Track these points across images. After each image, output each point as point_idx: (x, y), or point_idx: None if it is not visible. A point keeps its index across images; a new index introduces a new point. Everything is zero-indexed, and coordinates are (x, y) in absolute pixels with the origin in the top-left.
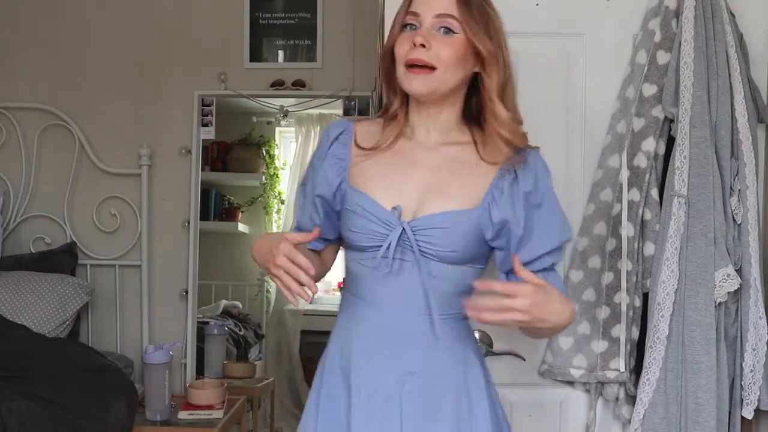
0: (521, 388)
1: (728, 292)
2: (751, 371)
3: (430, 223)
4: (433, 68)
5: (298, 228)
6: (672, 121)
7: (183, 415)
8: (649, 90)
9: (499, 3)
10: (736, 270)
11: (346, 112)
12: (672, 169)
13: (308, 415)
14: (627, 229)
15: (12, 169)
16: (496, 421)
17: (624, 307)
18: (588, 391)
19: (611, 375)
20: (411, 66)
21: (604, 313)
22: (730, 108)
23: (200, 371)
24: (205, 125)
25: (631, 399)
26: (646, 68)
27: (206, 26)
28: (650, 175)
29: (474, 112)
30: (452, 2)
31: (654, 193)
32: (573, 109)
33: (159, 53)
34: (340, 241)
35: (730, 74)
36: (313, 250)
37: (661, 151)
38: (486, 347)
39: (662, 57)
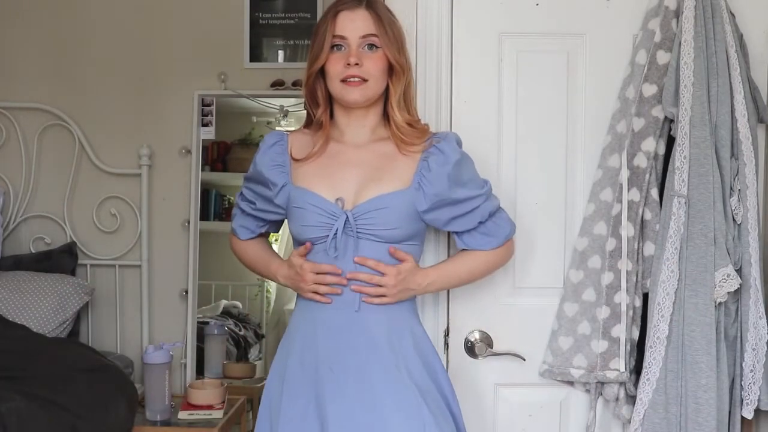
0: (521, 388)
1: (728, 292)
2: (751, 371)
3: (369, 207)
4: (365, 80)
5: (243, 211)
6: (672, 121)
7: (183, 415)
8: (649, 90)
9: (499, 3)
10: (736, 270)
11: None
12: (672, 169)
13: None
14: (627, 229)
15: (12, 169)
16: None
17: (624, 307)
18: (588, 391)
19: (611, 375)
20: (346, 81)
21: (604, 313)
22: (730, 108)
23: (200, 371)
24: (205, 125)
25: (631, 399)
26: (646, 68)
27: (206, 26)
28: (650, 175)
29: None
30: (370, 22)
31: (654, 193)
32: (573, 109)
33: (159, 53)
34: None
35: (730, 74)
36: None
37: (661, 151)
38: (486, 347)
39: (662, 57)
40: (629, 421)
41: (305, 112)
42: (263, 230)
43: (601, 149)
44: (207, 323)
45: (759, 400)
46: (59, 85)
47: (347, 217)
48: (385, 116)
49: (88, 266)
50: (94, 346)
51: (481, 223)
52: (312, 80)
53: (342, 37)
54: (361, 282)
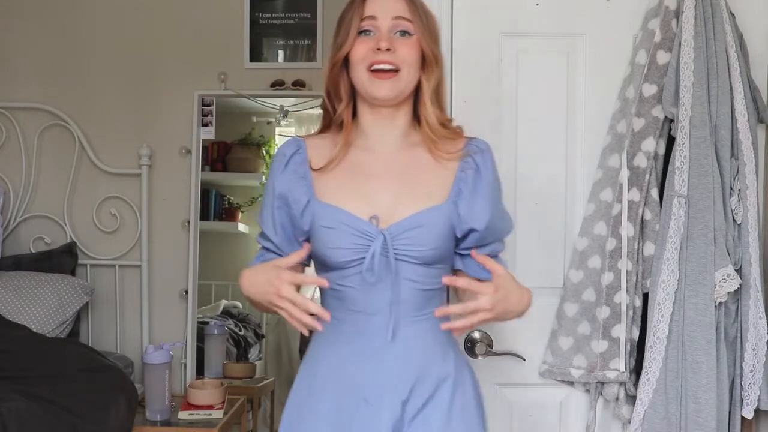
0: (521, 388)
1: (728, 292)
2: (751, 371)
3: (407, 225)
4: (397, 71)
5: (268, 250)
6: (672, 121)
7: (183, 415)
8: (649, 90)
9: (499, 3)
10: (736, 270)
11: None
12: (672, 169)
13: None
14: (627, 229)
15: (12, 169)
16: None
17: (624, 307)
18: (588, 391)
19: (611, 375)
20: (375, 71)
21: (604, 313)
22: (730, 108)
23: (200, 371)
24: (205, 125)
25: (631, 399)
26: (646, 68)
27: (206, 26)
28: (650, 175)
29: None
30: (404, 5)
31: (654, 193)
32: (573, 109)
33: (159, 53)
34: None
35: (730, 74)
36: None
37: (661, 151)
38: (486, 347)
39: (662, 57)
40: (629, 421)
41: (307, 111)
42: None
43: (601, 149)
44: (207, 323)
45: (759, 400)
46: (59, 85)
47: (384, 237)
48: (415, 118)
49: (88, 266)
50: (94, 346)
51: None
52: (335, 72)
53: (372, 18)
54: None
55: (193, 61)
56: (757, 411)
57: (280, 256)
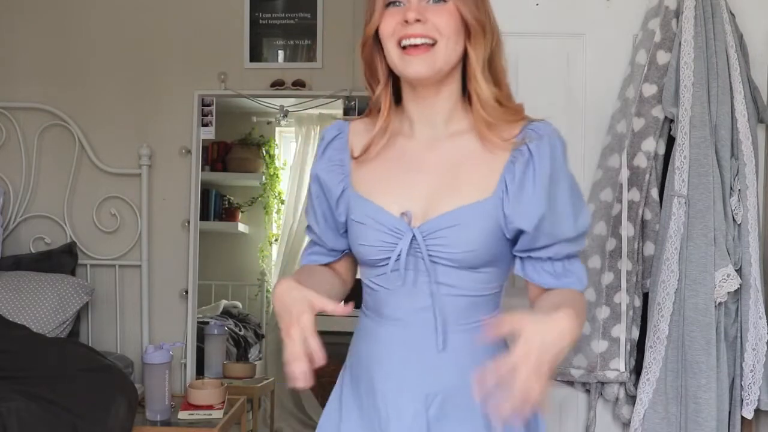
0: None
1: (728, 292)
2: (751, 371)
3: (442, 223)
4: (432, 44)
5: (313, 243)
6: (672, 121)
7: (183, 415)
8: (649, 90)
9: (499, 3)
10: (736, 270)
11: (346, 112)
12: (672, 169)
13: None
14: (627, 229)
15: (12, 169)
16: None
17: (624, 307)
18: (588, 391)
19: (611, 375)
20: (406, 47)
21: (604, 313)
22: (730, 108)
23: (200, 371)
24: (205, 125)
25: (631, 399)
26: (646, 68)
27: (206, 26)
28: (650, 175)
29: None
30: None
31: (654, 193)
32: (573, 109)
33: (159, 53)
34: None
35: (730, 74)
36: (326, 264)
37: (661, 151)
38: None
39: (662, 57)
40: (629, 421)
41: (307, 111)
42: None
43: (601, 149)
44: (207, 323)
45: (759, 400)
46: (59, 85)
47: (414, 235)
48: (464, 98)
49: (88, 266)
50: (94, 346)
51: (550, 259)
52: (368, 51)
53: None
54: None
55: (193, 61)
56: (757, 411)
57: (324, 248)
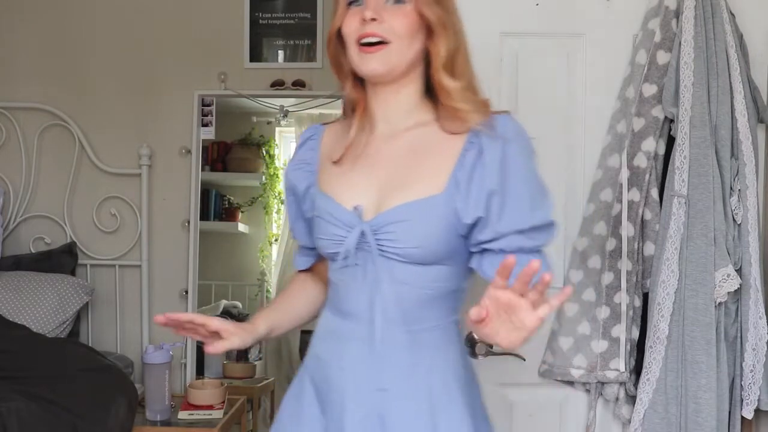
0: (521, 388)
1: (728, 292)
2: (751, 371)
3: (391, 218)
4: (387, 42)
5: (300, 245)
6: (672, 121)
7: (183, 415)
8: (649, 90)
9: (499, 3)
10: (736, 270)
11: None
12: (672, 169)
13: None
14: (627, 229)
15: (12, 169)
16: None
17: (624, 307)
18: (588, 391)
19: (611, 375)
20: (363, 45)
21: (604, 313)
22: (730, 108)
23: (200, 371)
24: (205, 125)
25: (631, 399)
26: (646, 68)
27: (206, 26)
28: (650, 175)
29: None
30: None
31: (654, 193)
32: (573, 109)
33: (159, 53)
34: None
35: (730, 74)
36: (306, 270)
37: (661, 151)
38: (486, 347)
39: (662, 57)
40: (629, 421)
41: (307, 111)
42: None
43: (601, 149)
44: None
45: (759, 400)
46: (59, 85)
47: (363, 230)
48: (427, 95)
49: (88, 266)
50: (94, 346)
51: (502, 251)
52: (332, 49)
53: None
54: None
55: (193, 61)
56: (757, 411)
57: (306, 248)
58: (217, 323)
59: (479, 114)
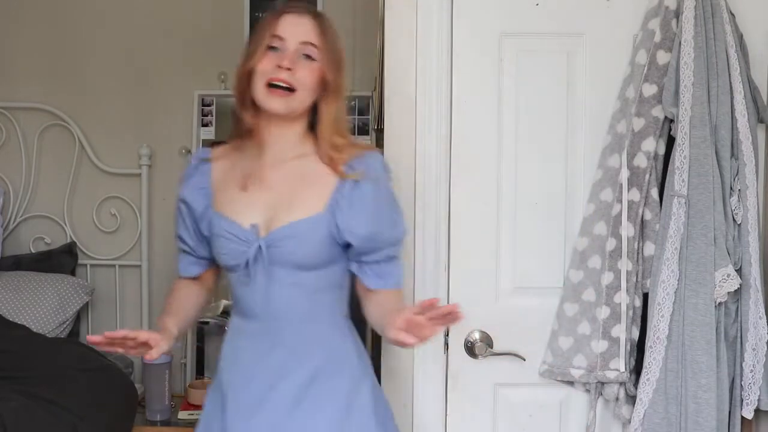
0: (521, 388)
1: (728, 292)
2: (751, 371)
3: (282, 233)
4: (293, 90)
5: (186, 253)
6: (672, 121)
7: (183, 415)
8: (649, 90)
9: (499, 3)
10: (736, 270)
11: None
12: (672, 169)
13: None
14: (627, 229)
15: (12, 169)
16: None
17: (624, 307)
18: (588, 391)
19: (611, 375)
20: (271, 86)
21: (604, 313)
22: (730, 108)
23: (200, 371)
24: (205, 125)
25: (631, 399)
26: (646, 68)
27: (206, 26)
28: (650, 175)
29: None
30: (314, 31)
31: (654, 193)
32: (573, 109)
33: (159, 53)
34: (215, 264)
35: (730, 74)
36: (193, 277)
37: (661, 151)
38: (486, 347)
39: (662, 57)
40: (629, 421)
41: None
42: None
43: (601, 149)
44: (207, 323)
45: (759, 400)
46: (59, 85)
47: (260, 245)
48: (311, 131)
49: (88, 266)
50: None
51: (376, 262)
52: (243, 81)
53: (280, 38)
54: None
55: (193, 61)
56: (757, 411)
57: (195, 257)
58: (145, 335)
59: (351, 153)
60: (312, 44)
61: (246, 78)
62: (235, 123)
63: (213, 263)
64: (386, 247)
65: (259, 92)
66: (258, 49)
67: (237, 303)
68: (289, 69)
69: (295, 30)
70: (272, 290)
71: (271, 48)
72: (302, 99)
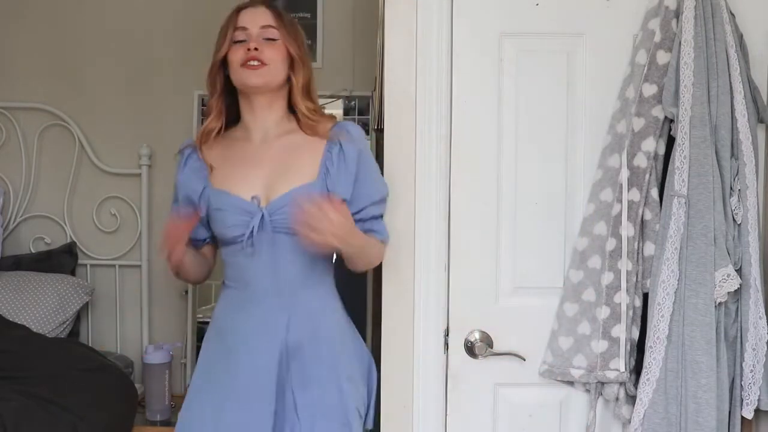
0: (521, 388)
1: (728, 292)
2: (751, 371)
3: (281, 202)
4: (266, 64)
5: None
6: (672, 121)
7: None
8: (649, 90)
9: (499, 3)
10: (736, 270)
11: (347, 112)
12: (672, 169)
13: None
14: (627, 229)
15: (12, 169)
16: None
17: (624, 307)
18: (588, 391)
19: (611, 375)
20: (246, 66)
21: (604, 313)
22: (730, 108)
23: None
24: None
25: (631, 399)
26: (646, 68)
27: (206, 26)
28: (650, 175)
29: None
30: (270, 15)
31: (654, 193)
32: (573, 109)
33: (159, 53)
34: (214, 240)
35: (730, 74)
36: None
37: (661, 151)
38: (486, 347)
39: (662, 57)
40: (629, 421)
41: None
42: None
43: (601, 149)
44: (207, 323)
45: (759, 400)
46: (59, 85)
47: (263, 214)
48: (290, 110)
49: (88, 266)
50: (94, 346)
51: (361, 220)
52: (214, 72)
53: (243, 29)
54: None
55: (193, 61)
56: (757, 411)
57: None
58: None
59: (329, 122)
60: (271, 26)
61: (216, 68)
62: (216, 115)
63: (209, 241)
64: (369, 206)
65: (236, 74)
66: (225, 42)
67: (232, 276)
68: (256, 49)
69: (254, 18)
70: (277, 257)
71: (238, 42)
72: (274, 72)
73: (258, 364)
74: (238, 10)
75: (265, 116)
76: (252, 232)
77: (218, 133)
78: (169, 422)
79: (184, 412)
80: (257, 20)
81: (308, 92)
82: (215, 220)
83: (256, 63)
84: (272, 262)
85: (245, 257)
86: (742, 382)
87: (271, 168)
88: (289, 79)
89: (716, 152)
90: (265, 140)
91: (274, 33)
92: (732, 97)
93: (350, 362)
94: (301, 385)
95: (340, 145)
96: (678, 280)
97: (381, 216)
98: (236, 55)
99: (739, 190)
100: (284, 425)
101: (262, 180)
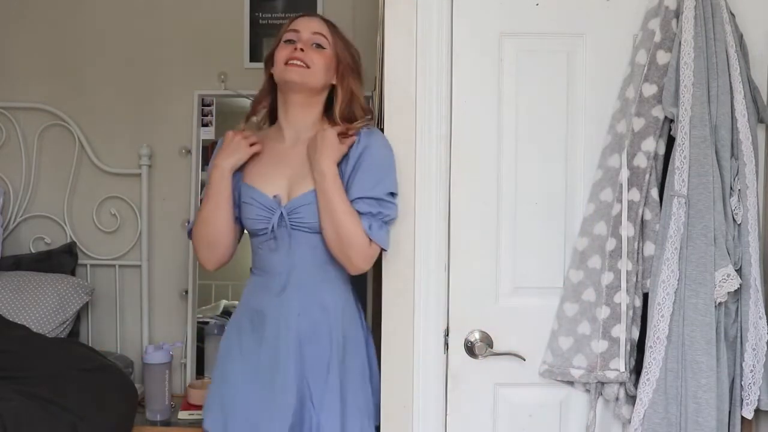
0: (521, 388)
1: (728, 292)
2: (751, 371)
3: (299, 202)
4: (308, 67)
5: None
6: (672, 121)
7: (183, 415)
8: (649, 90)
9: (499, 3)
10: (736, 270)
11: None
12: (672, 169)
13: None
14: (627, 229)
15: (12, 169)
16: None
17: (624, 307)
18: (588, 391)
19: (611, 375)
20: (289, 64)
21: (604, 313)
22: (730, 108)
23: (200, 371)
24: (205, 125)
25: (631, 399)
26: (646, 68)
27: (206, 26)
28: (650, 175)
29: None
30: (324, 25)
31: (654, 193)
32: (573, 109)
33: (159, 53)
34: (241, 224)
35: (730, 74)
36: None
37: (661, 151)
38: (486, 347)
39: (662, 57)
40: (629, 421)
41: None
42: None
43: (601, 149)
44: (207, 323)
45: (759, 400)
46: (59, 85)
47: (281, 212)
48: (326, 114)
49: (88, 266)
50: (94, 346)
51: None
52: (268, 70)
53: (296, 31)
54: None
55: (193, 61)
56: (757, 411)
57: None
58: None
59: (358, 129)
60: (322, 34)
61: (269, 66)
62: (255, 113)
63: (238, 223)
64: (360, 199)
65: (279, 70)
66: (279, 43)
67: (257, 263)
68: (302, 50)
69: (307, 24)
70: (294, 252)
71: (288, 41)
72: (314, 75)
73: (279, 345)
74: (296, 17)
75: (297, 116)
76: (273, 228)
77: (263, 121)
78: (169, 422)
79: (218, 371)
80: (310, 26)
81: (352, 102)
82: (243, 211)
83: (298, 62)
84: (289, 257)
85: (268, 249)
86: (742, 382)
87: (296, 168)
88: (331, 89)
89: (716, 152)
90: (296, 142)
91: (323, 41)
92: (732, 97)
93: (353, 361)
94: (313, 374)
95: (359, 152)
96: (678, 280)
97: (379, 216)
98: (282, 53)
99: (739, 190)
100: (303, 412)
101: (286, 180)
